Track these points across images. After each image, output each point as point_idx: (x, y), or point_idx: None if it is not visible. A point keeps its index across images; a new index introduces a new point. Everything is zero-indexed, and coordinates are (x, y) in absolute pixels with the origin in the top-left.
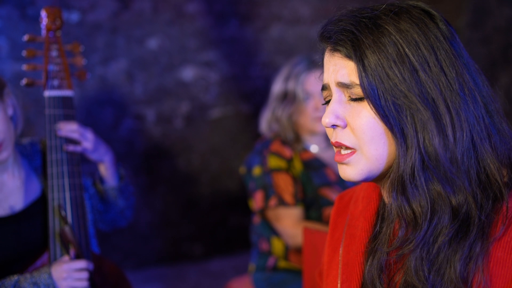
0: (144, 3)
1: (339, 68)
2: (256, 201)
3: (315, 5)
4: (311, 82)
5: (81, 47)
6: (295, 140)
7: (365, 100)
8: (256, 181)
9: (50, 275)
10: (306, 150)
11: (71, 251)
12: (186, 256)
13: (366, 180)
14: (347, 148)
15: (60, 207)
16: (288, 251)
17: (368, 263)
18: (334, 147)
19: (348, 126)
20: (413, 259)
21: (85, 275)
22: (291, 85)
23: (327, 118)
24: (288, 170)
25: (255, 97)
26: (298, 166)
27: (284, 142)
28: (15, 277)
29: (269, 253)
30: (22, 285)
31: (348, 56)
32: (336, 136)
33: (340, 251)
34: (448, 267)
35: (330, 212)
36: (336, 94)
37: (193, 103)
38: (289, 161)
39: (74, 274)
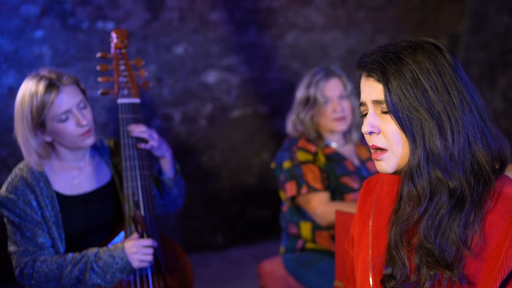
0: (172, 13)
1: (373, 90)
2: (288, 190)
3: (327, 14)
4: (329, 88)
5: (143, 62)
6: (317, 138)
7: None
8: (286, 173)
9: (123, 250)
10: (327, 146)
11: (140, 230)
12: (209, 246)
13: (396, 172)
14: (380, 149)
15: (133, 194)
16: (315, 234)
17: (392, 231)
18: (371, 149)
19: (382, 132)
20: (421, 227)
21: (150, 251)
22: (312, 92)
23: (366, 127)
24: (314, 162)
25: (272, 98)
26: (322, 159)
27: (309, 140)
28: (95, 249)
29: (298, 236)
30: (101, 256)
31: (378, 81)
32: (372, 140)
33: (370, 223)
34: (450, 232)
35: (351, 197)
36: (372, 109)
37: (215, 104)
38: (315, 154)
39: (142, 250)
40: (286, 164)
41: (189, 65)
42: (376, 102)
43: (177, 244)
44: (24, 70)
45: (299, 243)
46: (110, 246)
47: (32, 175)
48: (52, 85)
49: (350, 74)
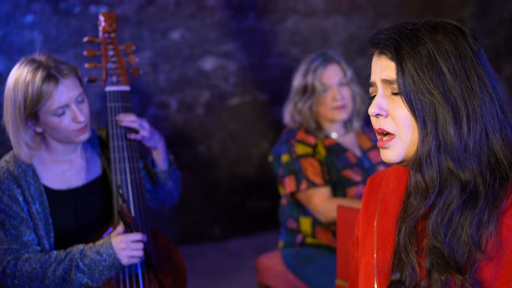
0: None
1: (384, 68)
2: (287, 186)
3: None
4: (328, 76)
5: (133, 46)
6: (317, 128)
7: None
8: (285, 167)
9: (111, 245)
10: (327, 136)
11: (129, 224)
12: (207, 237)
13: (402, 162)
14: (387, 134)
15: (118, 187)
16: (315, 229)
17: (402, 231)
18: (376, 134)
19: (390, 115)
20: (430, 224)
21: (140, 246)
22: (309, 79)
23: (373, 109)
24: (314, 155)
25: (272, 85)
26: (322, 152)
27: (308, 131)
28: (80, 246)
29: (297, 231)
30: (87, 254)
31: (391, 59)
32: (379, 123)
33: (375, 224)
34: (462, 231)
35: (354, 190)
36: (381, 89)
37: (212, 92)
38: (314, 147)
39: (131, 245)
40: (285, 158)
41: (186, 51)
42: (387, 82)
43: (170, 240)
44: (14, 56)
45: (299, 238)
46: (96, 242)
47: (19, 168)
48: (50, 76)
49: (352, 60)
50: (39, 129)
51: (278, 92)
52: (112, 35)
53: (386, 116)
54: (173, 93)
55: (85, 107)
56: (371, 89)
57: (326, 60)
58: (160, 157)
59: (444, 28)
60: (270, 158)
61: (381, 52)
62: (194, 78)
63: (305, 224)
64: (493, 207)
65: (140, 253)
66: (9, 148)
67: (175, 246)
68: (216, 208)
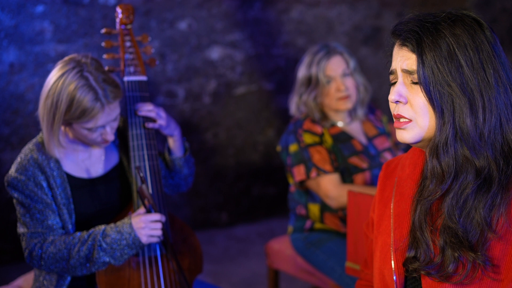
0: None
1: (405, 59)
2: (296, 175)
3: None
4: (332, 67)
5: (149, 38)
6: (322, 118)
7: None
8: (293, 157)
9: (131, 225)
10: (333, 125)
11: (148, 205)
12: (214, 223)
13: (416, 142)
14: (404, 118)
15: (138, 169)
16: (323, 215)
17: (417, 211)
18: (394, 118)
19: (409, 102)
20: (446, 206)
21: (159, 225)
22: (314, 71)
23: (393, 96)
24: (321, 143)
25: (277, 75)
26: (328, 140)
27: (314, 121)
28: (102, 227)
29: (306, 217)
30: (109, 233)
31: (412, 51)
32: (398, 109)
33: (391, 206)
34: (475, 213)
35: (360, 177)
36: (401, 78)
37: (219, 81)
38: (321, 136)
39: (150, 225)
40: (293, 148)
41: (193, 41)
42: (407, 72)
43: (186, 224)
44: (25, 46)
45: (308, 223)
46: (117, 222)
47: (43, 156)
48: (97, 100)
49: (356, 49)
50: (68, 132)
51: (283, 81)
52: (129, 26)
53: (405, 103)
54: (181, 83)
55: (116, 124)
56: (391, 77)
57: (329, 52)
58: (176, 144)
59: (463, 21)
60: (278, 148)
61: (403, 44)
62: (201, 68)
63: (314, 210)
64: (505, 191)
65: (158, 232)
66: (22, 136)
67: (191, 230)
68: (222, 194)
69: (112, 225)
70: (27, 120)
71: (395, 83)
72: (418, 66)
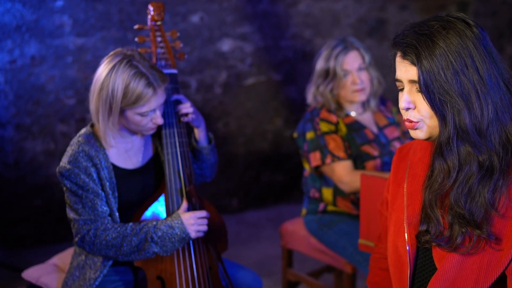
0: None
1: (408, 70)
2: (312, 161)
3: None
4: (348, 62)
5: (178, 33)
6: (338, 108)
7: None
8: (310, 143)
9: (182, 222)
10: (347, 115)
11: (195, 203)
12: (225, 209)
13: (429, 138)
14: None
15: (187, 168)
16: (336, 198)
17: (426, 193)
18: (405, 122)
19: (416, 108)
20: (452, 195)
21: (205, 222)
22: (331, 65)
23: (403, 104)
24: (336, 132)
25: (285, 66)
26: (343, 129)
27: (330, 111)
28: (153, 222)
29: (319, 200)
30: (160, 227)
31: (413, 63)
32: (408, 115)
33: (405, 186)
34: (479, 197)
35: (372, 164)
36: (408, 87)
37: (230, 72)
38: (336, 125)
39: (198, 221)
40: (309, 135)
41: (205, 33)
42: (412, 82)
43: (212, 205)
44: (45, 39)
45: (321, 206)
46: (167, 218)
47: (92, 148)
48: (150, 85)
49: (361, 41)
50: (121, 121)
51: (291, 72)
52: (159, 22)
53: (414, 109)
54: (193, 74)
55: (163, 108)
56: (398, 83)
57: (347, 47)
58: (201, 134)
59: (454, 28)
60: (295, 135)
61: (404, 58)
62: (213, 60)
63: (327, 193)
64: (506, 174)
65: (205, 227)
66: (43, 126)
67: (217, 210)
68: (233, 181)
69: (163, 220)
70: (48, 111)
71: (402, 89)
72: (419, 77)
